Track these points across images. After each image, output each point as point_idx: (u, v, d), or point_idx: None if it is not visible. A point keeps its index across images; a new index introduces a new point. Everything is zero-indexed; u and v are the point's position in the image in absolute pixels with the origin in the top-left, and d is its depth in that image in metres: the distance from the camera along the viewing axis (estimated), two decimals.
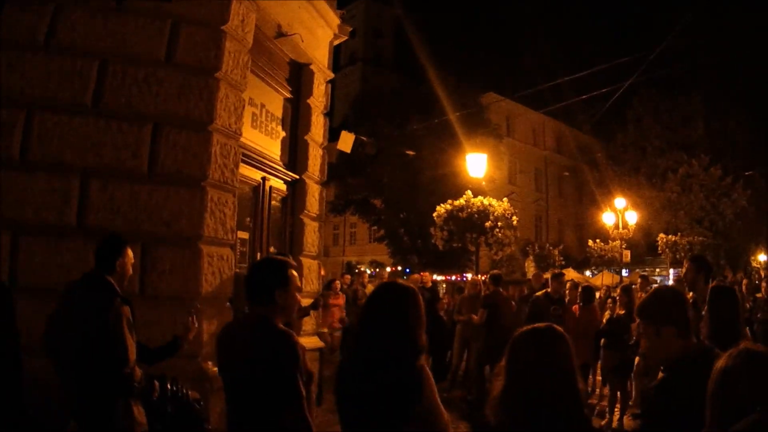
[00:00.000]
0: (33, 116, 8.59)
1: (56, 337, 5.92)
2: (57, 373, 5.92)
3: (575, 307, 15.24)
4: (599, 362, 15.08)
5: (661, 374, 4.41)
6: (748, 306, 18.09)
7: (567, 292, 15.95)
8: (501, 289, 17.12)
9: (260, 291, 4.95)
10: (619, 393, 13.79)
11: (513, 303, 18.05)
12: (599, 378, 16.39)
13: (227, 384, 4.95)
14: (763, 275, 38.17)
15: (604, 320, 14.82)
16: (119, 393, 5.85)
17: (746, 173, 51.44)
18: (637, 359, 12.55)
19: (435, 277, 47.37)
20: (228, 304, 9.71)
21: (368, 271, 56.56)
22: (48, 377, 6.00)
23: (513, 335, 3.99)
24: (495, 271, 18.06)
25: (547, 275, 17.74)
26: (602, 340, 14.31)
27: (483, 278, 20.47)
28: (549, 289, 15.32)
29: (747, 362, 3.25)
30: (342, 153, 23.92)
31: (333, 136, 16.51)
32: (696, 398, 3.43)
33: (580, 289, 15.85)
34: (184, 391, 6.63)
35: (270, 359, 4.62)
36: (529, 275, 47.50)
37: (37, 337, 6.10)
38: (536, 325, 4.00)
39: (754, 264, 60.58)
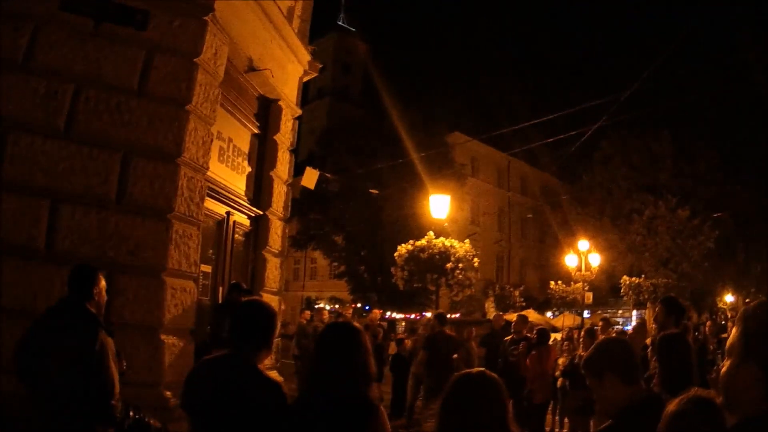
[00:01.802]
0: (7, 135, 8.61)
1: (34, 361, 5.91)
2: (31, 396, 5.93)
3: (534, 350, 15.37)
4: (556, 403, 15.30)
5: (607, 422, 4.46)
6: (711, 348, 18.30)
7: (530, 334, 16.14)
8: (446, 329, 17.18)
9: (256, 335, 4.97)
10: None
11: (471, 342, 18.28)
12: (557, 418, 16.85)
13: (202, 423, 4.92)
14: (729, 316, 38.43)
15: (560, 362, 14.96)
16: (101, 422, 5.86)
17: (714, 215, 51.68)
18: None
19: (394, 315, 47.38)
20: (189, 335, 9.71)
21: (327, 308, 56.49)
22: (17, 392, 6.05)
23: (449, 379, 4.08)
24: (440, 311, 18.21)
25: (510, 316, 17.90)
26: (562, 381, 14.49)
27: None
28: (513, 332, 15.66)
29: (696, 407, 3.33)
30: (305, 188, 23.96)
31: (298, 170, 16.57)
32: None
33: (535, 332, 16.01)
34: (147, 419, 6.64)
35: (262, 409, 4.67)
36: (489, 315, 47.56)
37: (5, 355, 6.18)
38: (469, 370, 4.13)
39: (720, 305, 60.91)
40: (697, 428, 3.25)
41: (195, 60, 9.57)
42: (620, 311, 58.65)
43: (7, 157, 8.57)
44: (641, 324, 19.48)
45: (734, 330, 3.57)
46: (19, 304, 8.05)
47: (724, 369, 4.04)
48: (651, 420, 3.50)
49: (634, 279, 48.26)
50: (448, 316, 44.70)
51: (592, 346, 4.98)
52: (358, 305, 55.81)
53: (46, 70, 8.91)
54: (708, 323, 25.51)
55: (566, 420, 15.55)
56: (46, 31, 8.99)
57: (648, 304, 47.16)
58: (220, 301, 11.52)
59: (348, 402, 4.42)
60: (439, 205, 23.92)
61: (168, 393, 8.71)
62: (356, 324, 5.10)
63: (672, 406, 3.42)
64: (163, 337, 8.92)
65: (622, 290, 49.24)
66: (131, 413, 6.38)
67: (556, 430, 16.93)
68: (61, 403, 5.78)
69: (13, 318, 7.35)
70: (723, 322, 26.48)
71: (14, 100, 8.69)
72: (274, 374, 11.66)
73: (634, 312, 52.08)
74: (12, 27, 8.85)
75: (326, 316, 28.51)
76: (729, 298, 62.33)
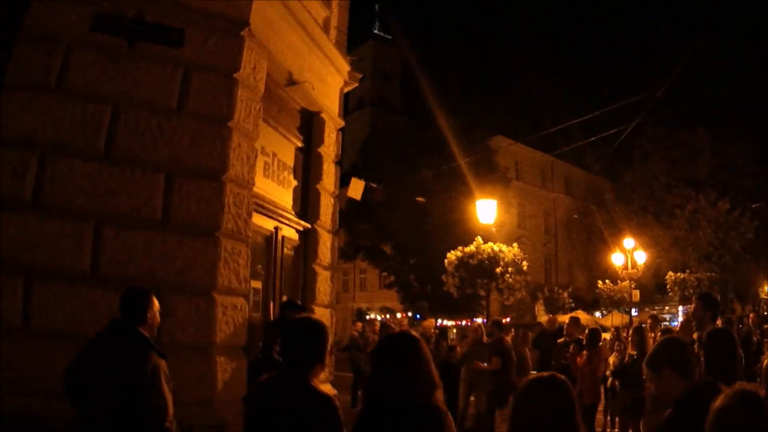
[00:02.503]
0: (46, 160, 8.61)
1: (85, 385, 5.87)
2: (82, 420, 5.90)
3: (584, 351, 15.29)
4: (607, 403, 15.28)
5: (667, 411, 4.59)
6: (755, 339, 18.11)
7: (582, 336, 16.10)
8: (503, 336, 17.27)
9: (309, 352, 4.94)
10: (631, 431, 13.80)
11: (525, 347, 18.23)
12: (608, 418, 16.73)
13: None
14: None
15: (611, 361, 14.88)
16: None
17: (753, 205, 51.27)
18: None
19: (445, 322, 47.25)
20: (241, 352, 9.65)
21: (379, 318, 56.37)
22: (53, 418, 6.05)
23: (519, 385, 4.10)
24: (497, 318, 18.18)
25: (563, 318, 17.86)
26: (612, 381, 14.42)
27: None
28: (566, 335, 15.69)
29: (741, 402, 3.34)
30: (351, 199, 23.96)
31: (343, 181, 16.51)
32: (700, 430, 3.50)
33: (586, 332, 15.92)
34: None
35: (319, 427, 4.65)
36: (539, 318, 47.34)
37: (47, 381, 6.23)
38: (541, 374, 4.07)
39: (762, 296, 60.33)
40: (743, 422, 3.25)
41: (234, 76, 9.53)
42: (666, 307, 58.15)
43: (46, 181, 8.56)
44: (688, 320, 19.29)
45: None
46: (66, 327, 8.05)
47: (766, 362, 4.02)
48: (707, 405, 3.51)
49: (679, 274, 47.94)
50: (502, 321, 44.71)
51: (655, 345, 5.23)
52: (409, 314, 55.73)
53: (81, 92, 8.91)
54: (751, 315, 25.23)
55: (617, 420, 15.42)
56: (79, 53, 8.99)
57: (693, 299, 46.70)
58: (271, 317, 11.46)
59: (418, 410, 4.37)
60: (486, 210, 23.84)
61: (221, 411, 8.66)
62: (414, 333, 5.06)
63: (718, 401, 3.45)
64: (215, 355, 8.87)
65: (667, 286, 48.86)
66: None
67: (608, 430, 16.80)
68: (114, 426, 5.73)
69: (60, 342, 7.33)
70: (766, 313, 26.22)
71: (50, 124, 8.70)
72: (327, 387, 11.66)
73: (680, 308, 51.63)
74: (42, 49, 8.86)
75: (377, 326, 28.45)
76: None
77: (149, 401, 5.72)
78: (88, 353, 6.01)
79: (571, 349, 15.55)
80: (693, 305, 10.15)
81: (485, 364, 16.38)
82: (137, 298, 6.31)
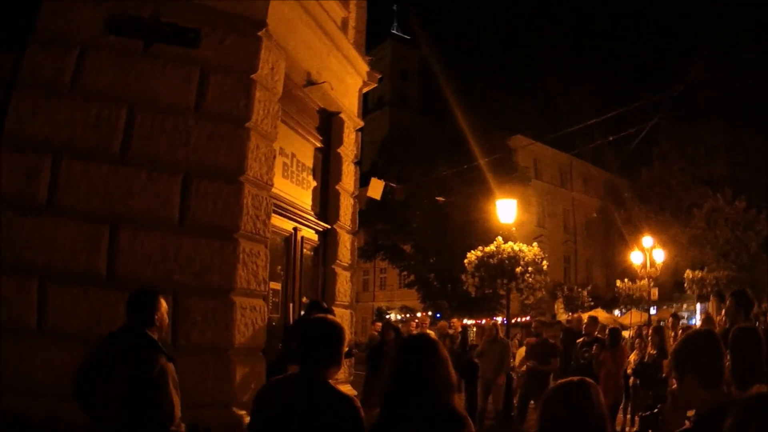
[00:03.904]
0: (60, 161, 8.58)
1: (93, 387, 5.89)
2: (92, 422, 5.91)
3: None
4: (627, 401, 15.28)
5: (687, 423, 4.30)
6: None
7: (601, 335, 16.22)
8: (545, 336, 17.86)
9: (325, 352, 4.90)
10: (651, 431, 13.77)
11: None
12: (628, 416, 16.80)
13: None
14: None
15: (631, 359, 14.88)
16: None
17: None
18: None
19: (466, 321, 47.24)
20: (261, 354, 9.62)
21: (398, 317, 56.53)
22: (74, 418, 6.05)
23: (548, 387, 4.10)
24: (539, 317, 18.45)
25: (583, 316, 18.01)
26: (633, 380, 14.44)
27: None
28: (585, 334, 15.82)
29: (757, 409, 3.25)
30: (371, 198, 23.94)
31: (362, 181, 16.48)
32: None
33: (607, 332, 15.97)
34: None
35: (340, 427, 4.62)
36: (559, 317, 47.33)
37: (60, 381, 6.29)
38: (571, 378, 4.04)
39: None
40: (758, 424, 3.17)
41: (252, 76, 9.46)
42: (684, 305, 58.13)
43: (61, 183, 8.54)
44: (708, 318, 19.25)
45: None
46: (80, 330, 8.05)
47: None
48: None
49: (697, 273, 47.78)
50: (519, 319, 44.66)
51: (680, 338, 4.88)
52: (429, 313, 55.81)
53: (95, 93, 8.87)
54: None
55: (636, 418, 15.42)
56: (93, 54, 8.94)
57: (711, 297, 46.80)
58: (291, 318, 11.44)
59: (437, 414, 4.34)
60: (505, 209, 23.82)
61: (240, 413, 8.62)
62: (432, 334, 5.05)
63: (734, 410, 3.32)
64: (233, 357, 8.82)
65: (685, 284, 48.72)
66: None
67: (627, 428, 16.84)
68: (120, 428, 5.72)
69: (74, 345, 7.34)
70: None
71: (64, 126, 8.67)
72: (347, 388, 11.62)
73: (698, 305, 51.55)
74: (55, 51, 8.84)
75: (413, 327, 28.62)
76: None
77: (155, 404, 5.72)
78: (96, 355, 6.03)
79: (594, 349, 15.53)
80: (726, 302, 10.04)
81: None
82: (144, 300, 6.31)
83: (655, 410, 12.47)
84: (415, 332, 11.05)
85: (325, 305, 10.73)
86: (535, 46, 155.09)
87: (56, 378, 6.71)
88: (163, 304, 6.47)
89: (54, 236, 8.42)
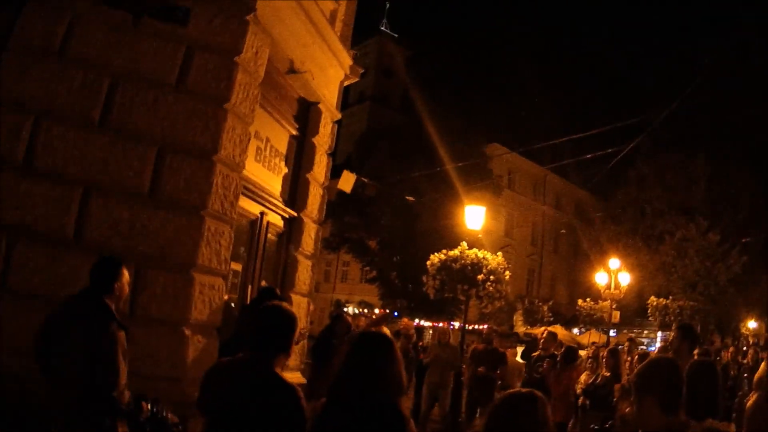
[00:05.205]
0: (40, 123, 8.68)
1: (49, 349, 6.05)
2: (46, 381, 6.05)
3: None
4: (576, 421, 15.31)
5: None
6: (732, 374, 18.23)
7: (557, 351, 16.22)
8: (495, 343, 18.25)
9: (275, 339, 5.02)
10: None
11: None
12: None
13: (216, 424, 4.97)
14: (751, 342, 38.14)
15: (582, 379, 14.93)
16: (106, 413, 5.90)
17: (744, 240, 51.39)
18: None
19: (422, 323, 47.33)
20: (215, 332, 9.70)
21: (356, 311, 56.47)
22: (28, 377, 6.14)
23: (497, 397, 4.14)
24: (494, 327, 18.46)
25: (538, 331, 18.10)
26: (583, 399, 14.45)
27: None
28: (541, 349, 15.94)
29: None
30: (341, 190, 23.97)
31: (335, 173, 16.54)
32: None
33: (563, 349, 16.00)
34: (164, 413, 6.64)
35: (279, 412, 4.72)
36: (517, 329, 47.44)
37: (23, 339, 6.32)
38: (520, 389, 4.17)
39: (743, 330, 60.47)
40: None
41: (235, 59, 9.55)
42: (645, 332, 58.31)
43: (39, 145, 8.63)
44: (665, 347, 19.38)
45: (764, 364, 3.54)
46: (45, 290, 8.12)
47: (751, 401, 3.97)
48: None
49: (661, 300, 47.92)
50: (476, 327, 44.70)
51: (645, 365, 5.00)
52: (386, 310, 55.79)
53: (82, 61, 8.97)
54: (731, 348, 25.33)
55: None
56: (84, 23, 9.04)
57: (673, 326, 47.02)
58: (248, 300, 11.50)
59: (382, 413, 4.44)
60: (474, 216, 23.85)
61: (190, 389, 8.68)
62: (387, 333, 5.10)
63: None
64: (188, 332, 8.89)
65: (648, 311, 48.93)
66: (148, 406, 6.40)
67: None
68: (70, 390, 5.85)
69: (38, 303, 7.40)
70: (744, 348, 26.31)
71: (48, 90, 8.77)
72: (297, 375, 11.73)
73: (659, 333, 51.74)
74: (48, 16, 8.93)
75: (363, 321, 28.56)
76: (752, 324, 61.82)
77: (101, 369, 5.83)
78: (54, 319, 6.14)
79: (545, 364, 15.59)
80: (672, 333, 10.16)
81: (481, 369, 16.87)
82: (107, 268, 6.45)
83: (606, 426, 12.61)
84: (365, 328, 11.11)
85: (278, 291, 10.81)
86: (521, 58, 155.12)
87: (17, 334, 6.78)
88: (125, 274, 6.59)
89: (27, 195, 8.51)
